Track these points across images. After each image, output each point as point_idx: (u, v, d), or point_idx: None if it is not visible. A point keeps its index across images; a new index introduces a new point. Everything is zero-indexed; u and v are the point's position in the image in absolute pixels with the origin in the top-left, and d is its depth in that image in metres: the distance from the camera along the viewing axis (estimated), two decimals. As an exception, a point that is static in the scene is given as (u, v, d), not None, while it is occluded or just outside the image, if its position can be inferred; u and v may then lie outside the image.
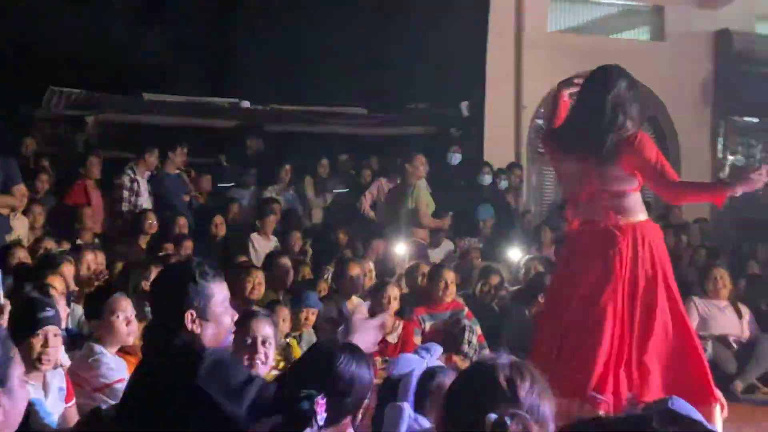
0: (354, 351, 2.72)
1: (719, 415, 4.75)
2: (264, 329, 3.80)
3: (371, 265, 7.98)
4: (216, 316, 3.04)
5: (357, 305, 7.46)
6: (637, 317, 4.80)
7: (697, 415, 2.33)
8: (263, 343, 3.75)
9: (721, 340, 7.80)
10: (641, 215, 4.91)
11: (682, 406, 2.30)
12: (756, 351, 7.76)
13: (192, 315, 2.98)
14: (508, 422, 1.67)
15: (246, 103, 12.34)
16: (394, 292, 6.85)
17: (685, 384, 4.68)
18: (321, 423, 2.51)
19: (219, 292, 3.07)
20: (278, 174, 10.52)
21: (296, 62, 12.36)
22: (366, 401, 2.67)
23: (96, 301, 4.66)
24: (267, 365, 3.82)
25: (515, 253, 9.36)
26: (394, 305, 6.79)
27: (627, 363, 4.73)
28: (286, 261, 7.66)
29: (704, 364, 4.85)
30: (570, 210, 5.09)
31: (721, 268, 8.23)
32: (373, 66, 12.22)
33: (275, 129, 11.82)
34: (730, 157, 12.98)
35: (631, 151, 4.78)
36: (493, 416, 1.72)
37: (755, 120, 13.07)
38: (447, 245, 9.70)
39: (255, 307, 4.40)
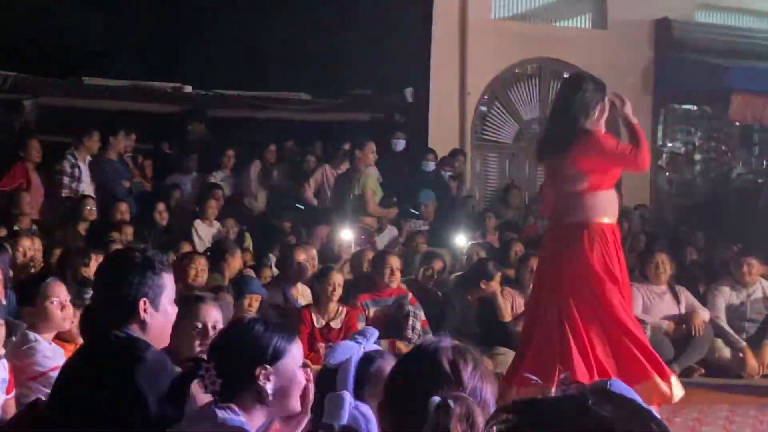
0: (273, 324, 2.74)
1: (661, 384, 5.12)
2: (213, 314, 3.76)
3: (314, 252, 7.95)
4: (165, 308, 3.01)
5: (302, 292, 7.46)
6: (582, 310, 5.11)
7: (635, 396, 2.36)
8: (213, 328, 3.71)
9: (659, 325, 7.94)
10: (600, 217, 5.17)
11: (620, 387, 2.32)
12: (695, 338, 7.91)
13: (145, 303, 2.94)
14: (452, 405, 1.67)
15: (189, 88, 12.19)
16: (338, 278, 6.84)
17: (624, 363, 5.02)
18: (214, 388, 2.54)
19: (170, 283, 3.04)
20: (221, 160, 10.42)
21: (240, 47, 12.24)
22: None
23: (30, 287, 4.56)
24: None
25: (460, 239, 9.41)
26: (338, 292, 6.78)
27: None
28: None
29: (641, 342, 5.18)
30: (544, 209, 5.37)
31: (662, 253, 8.35)
32: (317, 52, 12.16)
33: (219, 114, 11.71)
34: (670, 144, 13.20)
35: (584, 150, 5.08)
36: (436, 399, 1.72)
37: (694, 107, 13.29)
38: (391, 231, 9.72)
39: (201, 292, 4.36)
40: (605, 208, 5.25)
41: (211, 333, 3.64)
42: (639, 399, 2.33)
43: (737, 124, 12.92)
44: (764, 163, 13.17)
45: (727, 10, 13.02)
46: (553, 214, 5.43)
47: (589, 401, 1.22)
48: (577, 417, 1.20)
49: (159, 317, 2.98)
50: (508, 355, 7.33)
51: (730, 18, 13.03)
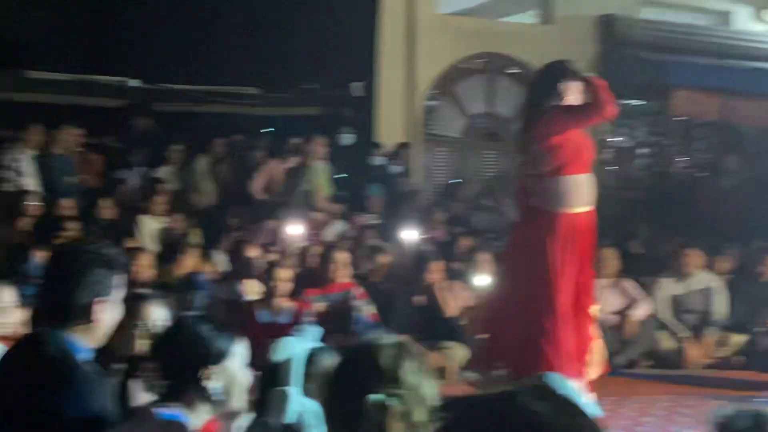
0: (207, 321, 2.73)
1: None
2: (155, 313, 3.72)
3: (258, 247, 7.93)
4: (115, 308, 2.91)
5: (252, 287, 7.45)
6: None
7: (570, 389, 2.41)
8: (154, 326, 3.68)
9: (604, 321, 8.06)
10: (561, 207, 5.17)
11: (554, 381, 2.36)
12: (639, 330, 8.07)
13: (99, 305, 2.80)
14: (390, 403, 1.69)
15: (135, 82, 12.05)
16: (284, 274, 6.83)
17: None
18: (157, 389, 2.53)
19: (122, 283, 2.94)
20: (167, 154, 10.33)
21: (187, 41, 12.12)
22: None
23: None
24: None
25: (408, 234, 9.44)
26: (285, 287, 6.78)
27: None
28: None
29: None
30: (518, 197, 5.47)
31: (608, 248, 8.46)
32: (265, 46, 12.09)
33: (165, 109, 11.60)
34: (614, 139, 13.36)
35: (546, 123, 5.13)
36: (375, 397, 1.73)
37: (637, 102, 13.47)
38: (340, 225, 9.71)
39: (144, 290, 4.32)
40: (573, 195, 5.22)
41: (153, 332, 3.60)
42: (575, 392, 2.38)
43: (679, 119, 13.13)
44: (705, 157, 13.40)
45: (669, 7, 13.23)
46: (523, 200, 5.40)
47: (522, 397, 1.25)
48: (509, 413, 1.23)
49: (108, 318, 2.88)
50: (455, 349, 7.41)
51: (671, 14, 13.24)
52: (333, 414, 2.03)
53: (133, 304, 3.55)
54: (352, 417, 1.84)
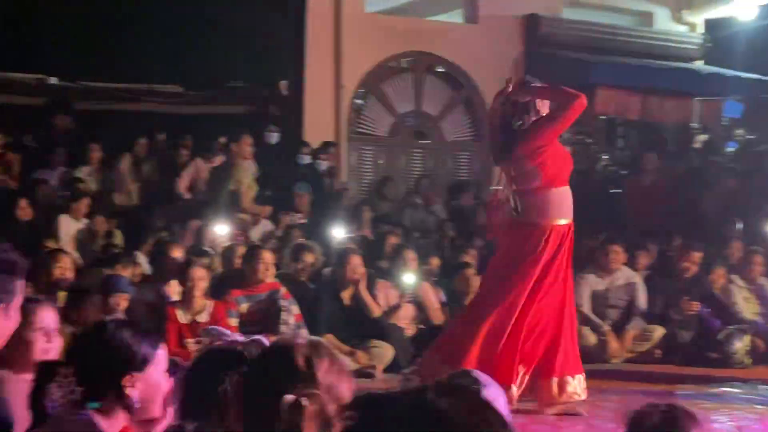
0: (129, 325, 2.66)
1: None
2: (48, 317, 3.60)
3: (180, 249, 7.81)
4: (13, 315, 2.81)
5: (174, 289, 7.33)
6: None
7: (493, 387, 2.41)
8: (48, 332, 3.56)
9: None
10: (557, 219, 5.53)
11: (480, 377, 2.37)
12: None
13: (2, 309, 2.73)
14: (305, 403, 1.66)
15: (53, 80, 11.78)
16: (198, 273, 6.74)
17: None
18: (72, 396, 2.47)
19: (22, 288, 2.85)
20: (88, 154, 10.11)
21: (109, 38, 11.90)
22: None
23: None
24: (51, 354, 3.62)
25: (335, 233, 9.41)
26: (200, 286, 6.70)
27: None
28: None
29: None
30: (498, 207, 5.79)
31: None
32: (189, 43, 11.94)
33: (86, 107, 11.36)
34: (539, 137, 13.52)
35: (532, 138, 5.47)
36: (290, 397, 1.71)
37: (562, 101, 13.66)
38: (265, 225, 9.63)
39: (34, 295, 4.19)
40: (560, 209, 5.55)
41: (45, 337, 3.48)
42: (493, 391, 2.38)
43: (602, 117, 13.35)
44: (627, 155, 13.65)
45: (591, 8, 13.44)
46: (510, 213, 5.66)
47: (429, 394, 1.24)
48: (415, 411, 1.22)
49: (8, 325, 2.79)
50: (382, 348, 7.40)
51: (594, 15, 13.45)
52: (248, 414, 2.00)
53: (23, 309, 3.43)
54: (267, 417, 1.81)
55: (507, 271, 5.63)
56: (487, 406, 1.28)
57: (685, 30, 13.54)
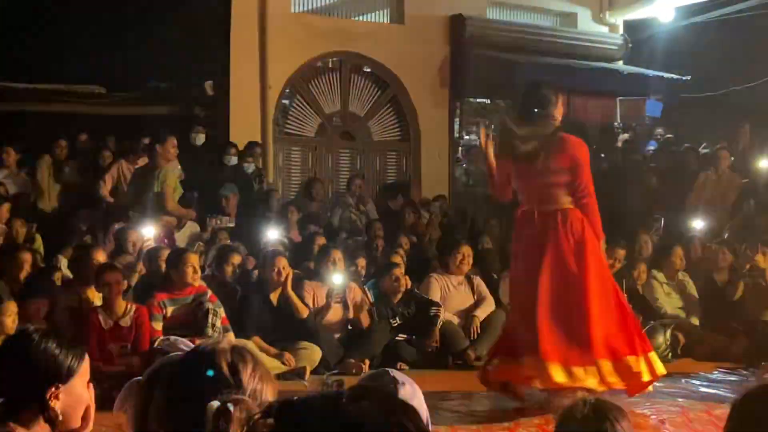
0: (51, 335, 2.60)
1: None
2: None
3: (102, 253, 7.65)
4: None
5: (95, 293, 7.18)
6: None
7: (412, 388, 2.41)
8: None
9: (450, 320, 8.20)
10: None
11: (397, 376, 2.36)
12: (488, 325, 8.24)
13: None
14: (231, 409, 1.64)
15: (-32, 80, 11.44)
16: (113, 277, 6.62)
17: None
18: None
19: None
20: (5, 157, 9.85)
21: (27, 37, 11.61)
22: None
23: None
24: None
25: (263, 234, 9.33)
26: (117, 290, 6.59)
27: None
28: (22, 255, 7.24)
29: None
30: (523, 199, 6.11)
31: (466, 245, 8.60)
32: (112, 43, 11.71)
33: (4, 108, 11.06)
34: (466, 137, 13.64)
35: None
36: (215, 404, 1.68)
37: (488, 101, 13.80)
38: (192, 227, 9.51)
39: None
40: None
41: None
42: (409, 389, 2.38)
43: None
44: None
45: (516, 8, 13.59)
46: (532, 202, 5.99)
47: (343, 400, 1.23)
48: (328, 415, 1.21)
49: None
50: (310, 350, 7.37)
51: (519, 15, 13.62)
52: (173, 421, 1.96)
53: None
54: (192, 423, 1.77)
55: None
56: (403, 408, 1.27)
57: (607, 31, 13.78)
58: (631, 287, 8.78)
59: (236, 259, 7.86)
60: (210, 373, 1.89)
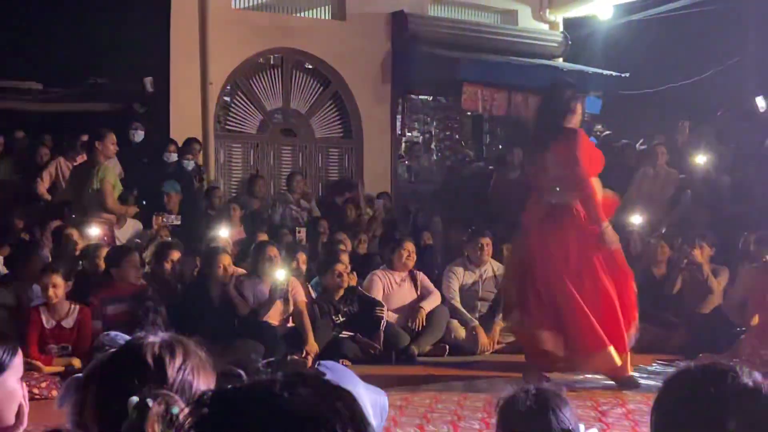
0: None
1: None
2: None
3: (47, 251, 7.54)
4: None
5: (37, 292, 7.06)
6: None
7: (347, 377, 2.40)
8: None
9: (397, 312, 8.22)
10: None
11: (329, 367, 2.35)
12: (431, 320, 8.28)
13: None
14: (150, 404, 1.61)
15: None
16: (56, 279, 6.51)
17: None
18: None
19: None
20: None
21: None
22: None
23: None
24: None
25: (206, 231, 9.25)
26: (60, 292, 6.48)
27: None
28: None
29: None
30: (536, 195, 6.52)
31: (409, 242, 8.62)
32: (49, 38, 11.51)
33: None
34: (408, 133, 13.67)
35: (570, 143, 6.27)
36: (134, 399, 1.65)
37: (430, 98, 13.85)
38: (134, 224, 9.38)
39: None
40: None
41: None
42: (348, 380, 2.37)
43: (469, 114, 13.60)
44: (494, 150, 13.96)
45: (457, 5, 13.65)
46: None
47: (276, 387, 1.21)
48: (262, 402, 1.19)
49: None
50: (251, 346, 7.32)
51: (460, 12, 13.68)
52: (102, 417, 1.93)
53: None
54: (116, 417, 1.75)
55: None
56: (338, 393, 1.26)
57: (547, 28, 13.92)
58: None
59: (175, 255, 7.78)
60: (134, 366, 1.87)
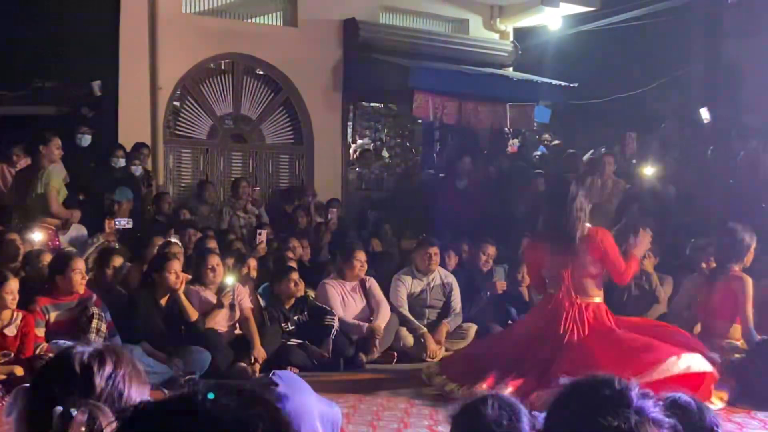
0: None
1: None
2: None
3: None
4: None
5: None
6: None
7: (298, 386, 2.41)
8: None
9: (346, 323, 8.21)
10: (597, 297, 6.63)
11: (283, 377, 2.36)
12: (385, 328, 8.29)
13: None
14: (74, 413, 1.59)
15: None
16: (13, 285, 6.40)
17: None
18: None
19: None
20: None
21: None
22: None
23: None
24: None
25: (154, 236, 9.14)
26: (11, 299, 6.36)
27: None
28: None
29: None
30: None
31: (361, 251, 8.61)
32: (-6, 40, 11.33)
33: None
34: (359, 140, 13.69)
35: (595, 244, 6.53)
36: (59, 409, 1.64)
37: (381, 105, 13.88)
38: (78, 229, 9.25)
39: None
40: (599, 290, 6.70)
41: None
42: (301, 391, 2.37)
43: (420, 121, 13.65)
44: (444, 158, 14.01)
45: (409, 13, 13.69)
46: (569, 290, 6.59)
47: (197, 397, 1.21)
48: (185, 415, 1.19)
49: None
50: (200, 354, 7.26)
51: (412, 20, 13.72)
52: (35, 426, 1.91)
53: None
54: (43, 426, 1.73)
55: None
56: (261, 403, 1.26)
57: (497, 38, 14.03)
58: (517, 291, 9.02)
59: (117, 261, 7.67)
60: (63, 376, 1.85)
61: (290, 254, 8.97)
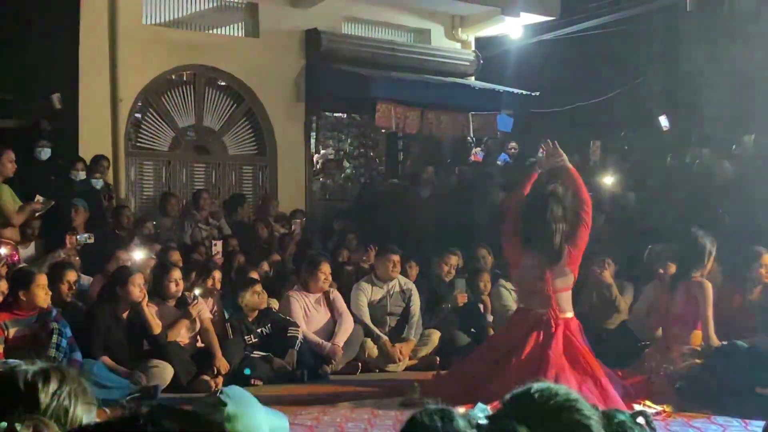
0: None
1: None
2: None
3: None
4: None
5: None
6: None
7: (250, 403, 2.39)
8: None
9: (307, 339, 8.20)
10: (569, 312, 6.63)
11: (230, 395, 2.34)
12: (349, 339, 8.29)
13: None
14: (19, 428, 1.59)
15: None
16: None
17: None
18: None
19: None
20: None
21: None
22: None
23: None
24: None
25: (114, 250, 9.05)
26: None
27: None
28: None
29: None
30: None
31: (326, 263, 8.59)
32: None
33: None
34: (323, 151, 13.68)
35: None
36: (3, 424, 1.64)
37: (344, 115, 13.88)
38: (35, 245, 9.14)
39: None
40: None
41: None
42: (249, 406, 2.36)
43: (383, 131, 13.66)
44: (407, 168, 14.04)
45: (370, 23, 13.72)
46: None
47: (142, 420, 1.20)
48: None
49: None
50: (161, 368, 7.21)
51: (374, 30, 13.75)
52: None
53: None
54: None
55: None
56: (203, 424, 1.25)
57: (459, 47, 14.09)
58: (478, 297, 9.06)
59: (71, 276, 7.58)
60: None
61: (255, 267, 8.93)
